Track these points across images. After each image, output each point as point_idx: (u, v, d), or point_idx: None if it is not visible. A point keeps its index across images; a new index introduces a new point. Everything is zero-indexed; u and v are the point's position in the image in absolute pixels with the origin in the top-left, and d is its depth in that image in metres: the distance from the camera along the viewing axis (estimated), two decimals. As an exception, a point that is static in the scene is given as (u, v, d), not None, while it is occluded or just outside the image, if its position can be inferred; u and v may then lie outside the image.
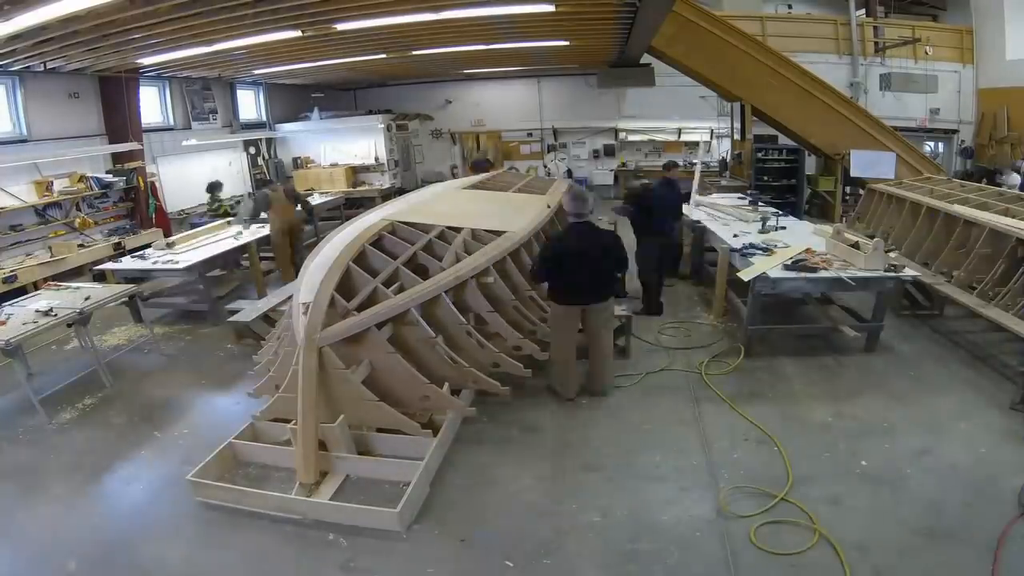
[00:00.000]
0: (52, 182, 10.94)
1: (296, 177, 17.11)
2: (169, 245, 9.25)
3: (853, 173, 13.50)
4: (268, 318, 7.53)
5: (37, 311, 6.49)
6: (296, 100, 18.88)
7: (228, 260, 9.86)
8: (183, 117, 14.66)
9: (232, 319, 7.51)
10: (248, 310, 7.55)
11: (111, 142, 12.19)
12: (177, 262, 8.50)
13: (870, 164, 13.12)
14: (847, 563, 3.86)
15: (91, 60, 10.26)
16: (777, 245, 7.78)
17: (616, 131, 19.34)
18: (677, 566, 3.97)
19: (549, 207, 8.34)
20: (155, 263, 8.62)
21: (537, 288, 6.51)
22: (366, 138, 17.58)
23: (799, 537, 4.14)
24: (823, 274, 6.83)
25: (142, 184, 12.38)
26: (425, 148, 20.54)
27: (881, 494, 4.54)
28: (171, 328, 8.64)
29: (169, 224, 12.93)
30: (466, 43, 11.82)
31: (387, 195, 15.73)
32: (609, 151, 19.59)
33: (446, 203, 8.60)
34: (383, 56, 12.86)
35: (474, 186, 9.91)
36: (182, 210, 14.00)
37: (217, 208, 13.35)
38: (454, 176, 18.92)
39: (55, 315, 6.44)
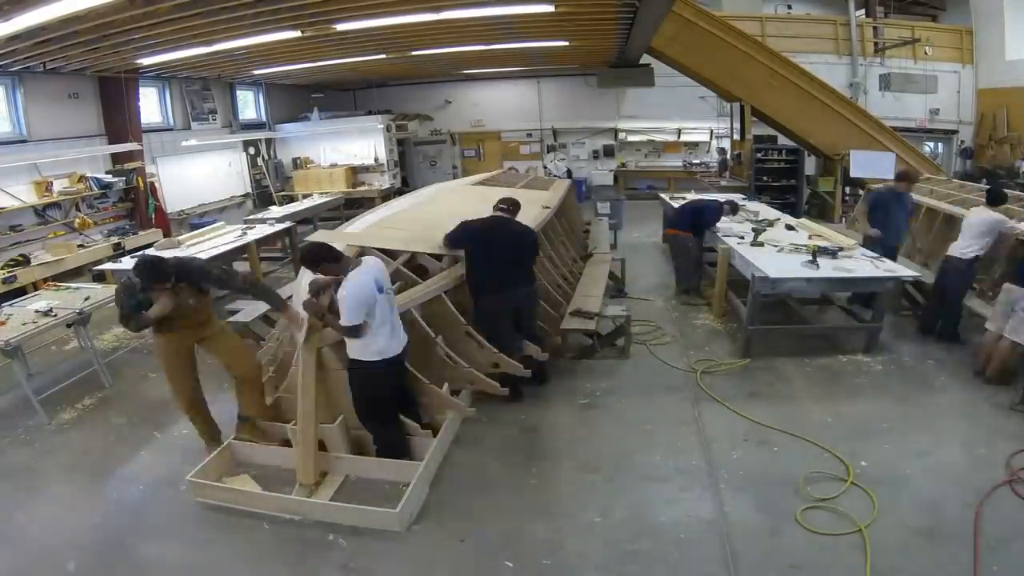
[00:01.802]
0: (52, 182, 10.94)
1: (296, 178, 17.16)
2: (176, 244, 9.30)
3: (853, 173, 13.52)
4: (268, 318, 7.53)
5: (37, 311, 6.49)
6: (296, 100, 18.89)
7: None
8: (183, 117, 14.66)
9: (231, 319, 7.50)
10: (248, 310, 7.53)
11: (111, 142, 12.19)
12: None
13: (870, 164, 13.13)
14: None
15: (91, 60, 10.26)
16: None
17: (616, 131, 19.37)
18: (677, 566, 3.97)
19: (547, 208, 8.35)
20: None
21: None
22: (366, 139, 17.57)
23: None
24: (821, 274, 6.85)
25: (142, 184, 12.39)
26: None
27: (881, 495, 4.54)
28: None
29: (169, 224, 12.94)
30: (466, 43, 11.82)
31: (387, 195, 15.73)
32: (609, 151, 19.61)
33: (442, 204, 8.64)
34: (383, 56, 12.86)
35: (474, 184, 9.95)
36: (182, 210, 14.00)
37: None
38: (454, 176, 18.99)
39: (55, 315, 6.44)
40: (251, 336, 7.58)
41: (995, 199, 7.09)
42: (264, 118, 17.84)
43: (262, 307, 7.54)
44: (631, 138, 19.40)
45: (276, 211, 13.01)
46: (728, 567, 3.91)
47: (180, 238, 9.80)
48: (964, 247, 6.91)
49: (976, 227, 6.87)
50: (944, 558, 3.91)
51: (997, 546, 3.96)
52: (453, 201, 8.82)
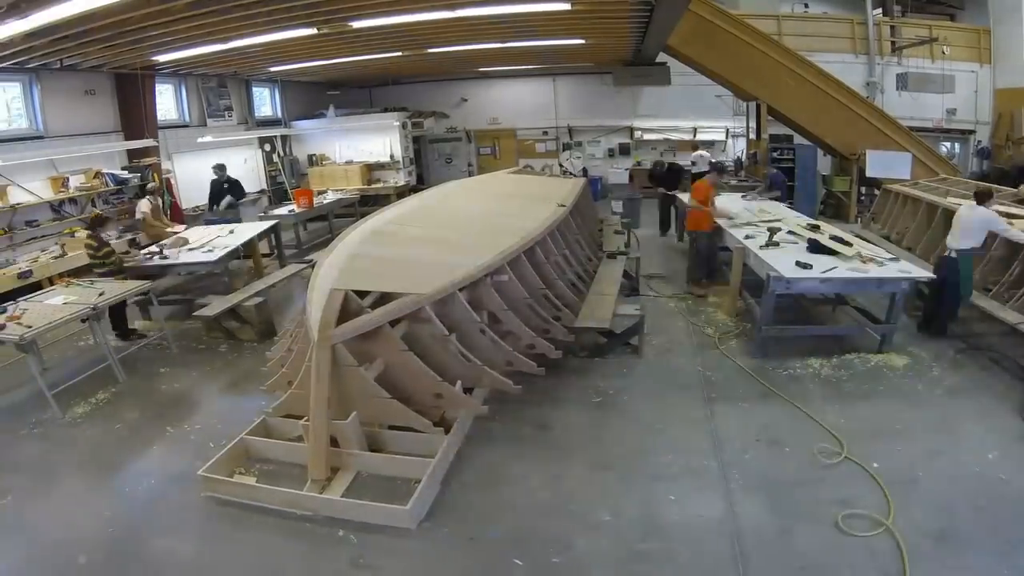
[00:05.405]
0: (68, 178, 11.05)
1: (311, 175, 17.18)
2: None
3: (869, 173, 13.43)
4: (234, 313, 7.85)
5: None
6: (312, 97, 18.97)
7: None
8: (199, 114, 14.76)
9: (197, 313, 7.65)
10: (215, 304, 7.69)
11: (127, 139, 12.29)
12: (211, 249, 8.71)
13: (886, 164, 13.05)
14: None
15: (107, 57, 10.33)
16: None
17: (631, 130, 19.28)
18: (687, 566, 3.95)
19: (563, 206, 8.33)
20: (167, 258, 8.69)
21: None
22: (381, 136, 17.59)
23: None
24: (837, 274, 6.80)
25: (157, 180, 12.45)
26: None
27: (893, 496, 4.49)
28: (184, 324, 8.66)
29: (184, 220, 12.99)
30: (482, 41, 11.85)
31: (402, 192, 15.77)
32: (624, 150, 19.53)
33: (456, 201, 8.70)
34: (399, 54, 12.89)
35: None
36: (197, 206, 14.06)
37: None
38: (470, 173, 19.02)
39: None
40: (219, 330, 7.93)
41: (982, 197, 7.18)
42: (280, 115, 17.91)
43: (230, 300, 7.87)
44: (647, 136, 19.28)
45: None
46: (738, 567, 3.89)
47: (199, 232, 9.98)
48: (957, 243, 7.08)
49: (966, 224, 7.07)
50: (955, 562, 3.86)
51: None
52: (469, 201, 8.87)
